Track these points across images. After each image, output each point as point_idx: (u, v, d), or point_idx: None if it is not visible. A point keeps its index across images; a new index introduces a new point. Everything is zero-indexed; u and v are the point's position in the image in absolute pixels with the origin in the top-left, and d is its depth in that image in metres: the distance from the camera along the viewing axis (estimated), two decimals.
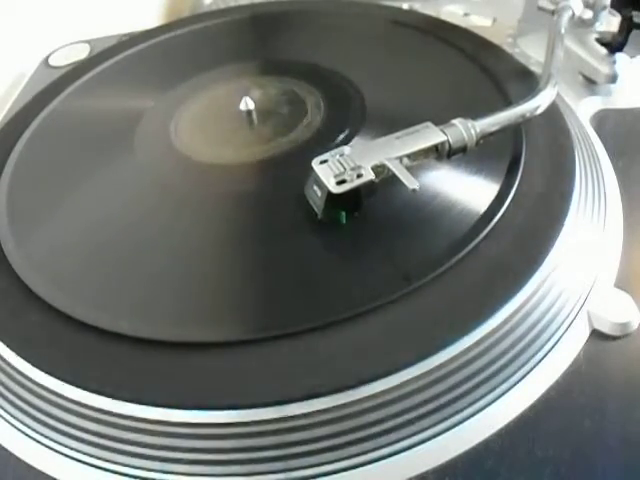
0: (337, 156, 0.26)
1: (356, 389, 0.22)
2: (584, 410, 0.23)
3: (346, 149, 0.27)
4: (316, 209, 0.27)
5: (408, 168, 0.26)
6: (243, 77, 0.38)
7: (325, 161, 0.26)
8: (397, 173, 0.25)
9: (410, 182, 0.25)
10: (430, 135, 0.27)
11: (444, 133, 0.27)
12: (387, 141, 0.27)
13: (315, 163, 0.26)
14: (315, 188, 0.26)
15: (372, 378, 0.22)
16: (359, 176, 0.26)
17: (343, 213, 0.27)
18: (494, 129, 0.28)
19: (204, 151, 0.33)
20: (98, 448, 0.23)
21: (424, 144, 0.27)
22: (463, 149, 0.27)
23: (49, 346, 0.25)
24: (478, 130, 0.27)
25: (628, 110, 0.36)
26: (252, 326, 0.24)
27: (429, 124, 0.27)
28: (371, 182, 0.26)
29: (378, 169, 0.26)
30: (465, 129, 0.27)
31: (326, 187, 0.26)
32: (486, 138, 0.28)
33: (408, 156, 0.27)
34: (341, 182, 0.25)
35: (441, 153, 0.27)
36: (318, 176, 0.26)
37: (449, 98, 0.34)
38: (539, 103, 0.29)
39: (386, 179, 0.26)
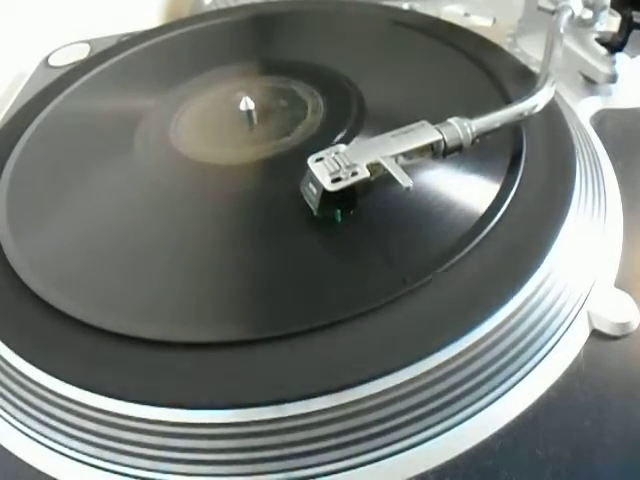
0: (332, 154, 0.26)
1: (356, 389, 0.22)
2: (584, 410, 0.23)
3: (341, 147, 0.27)
4: (312, 206, 0.27)
5: (404, 166, 0.26)
6: (243, 77, 0.38)
7: (321, 159, 0.26)
8: (391, 171, 0.25)
9: (404, 180, 0.25)
10: (426, 134, 0.27)
11: (440, 132, 0.27)
12: (383, 139, 0.27)
13: (311, 161, 0.27)
14: (310, 186, 0.26)
15: (371, 378, 0.22)
16: (354, 174, 0.26)
17: (338, 211, 0.27)
18: (490, 128, 0.28)
19: (204, 151, 0.33)
20: (98, 448, 0.23)
21: (419, 142, 0.27)
22: (459, 148, 0.27)
23: (49, 346, 0.25)
24: (474, 129, 0.27)
25: (628, 110, 0.36)
26: (252, 326, 0.24)
27: (425, 123, 0.27)
28: (366, 180, 0.26)
29: (373, 167, 0.26)
30: (461, 128, 0.27)
31: (321, 185, 0.26)
32: (482, 137, 0.28)
33: (403, 154, 0.27)
34: (336, 180, 0.25)
35: (437, 152, 0.27)
36: (313, 174, 0.26)
37: (449, 98, 0.34)
38: (536, 102, 0.29)
39: (384, 178, 0.26)
